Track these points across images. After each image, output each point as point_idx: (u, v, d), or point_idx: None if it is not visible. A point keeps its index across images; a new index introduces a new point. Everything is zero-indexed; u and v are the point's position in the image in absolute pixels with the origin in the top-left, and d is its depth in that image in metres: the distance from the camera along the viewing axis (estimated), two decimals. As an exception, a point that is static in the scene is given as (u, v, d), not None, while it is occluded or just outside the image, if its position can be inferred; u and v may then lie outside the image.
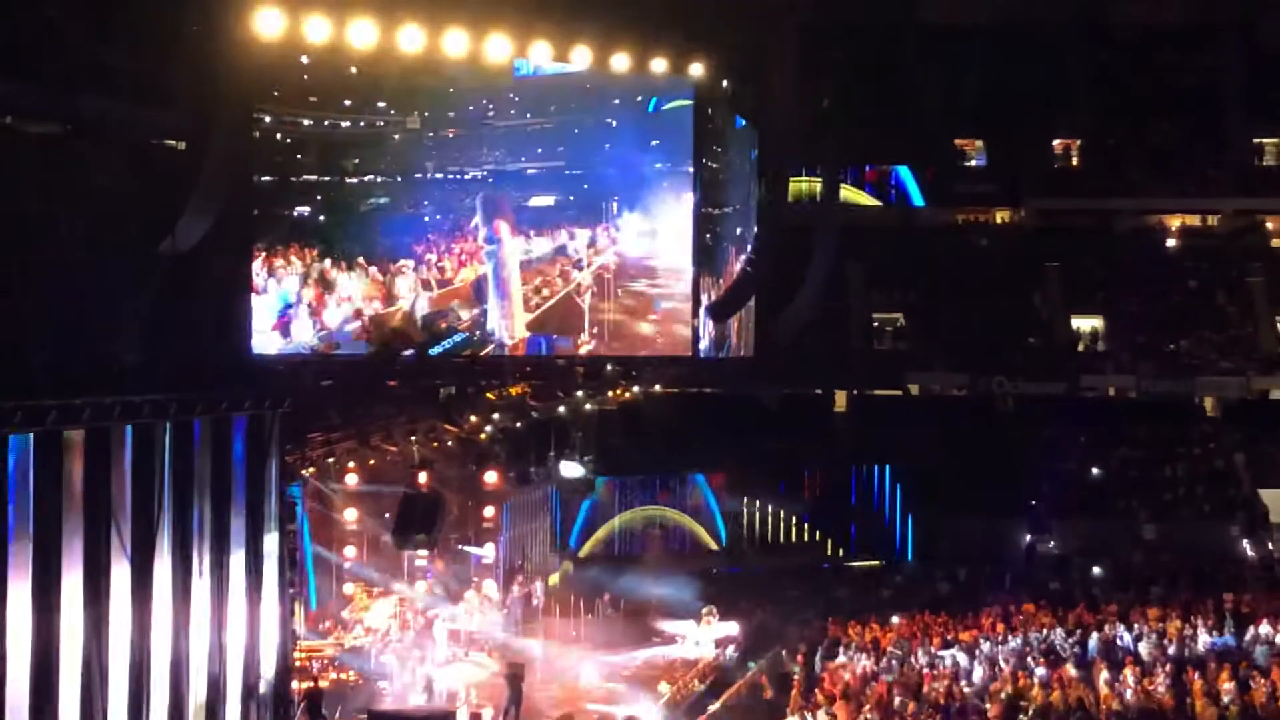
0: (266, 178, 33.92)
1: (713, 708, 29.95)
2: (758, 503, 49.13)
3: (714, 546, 48.10)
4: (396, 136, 35.49)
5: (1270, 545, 48.12)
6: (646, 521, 47.17)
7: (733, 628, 36.55)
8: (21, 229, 22.76)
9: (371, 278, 34.74)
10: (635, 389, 45.50)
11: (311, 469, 31.47)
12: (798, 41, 41.02)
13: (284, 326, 33.17)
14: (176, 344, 24.98)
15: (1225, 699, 29.07)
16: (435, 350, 34.12)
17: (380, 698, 30.04)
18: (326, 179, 35.19)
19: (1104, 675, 30.91)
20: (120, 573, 22.83)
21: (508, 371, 39.03)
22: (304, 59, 31.42)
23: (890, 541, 49.70)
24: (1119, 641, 34.86)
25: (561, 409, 42.05)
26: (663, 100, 36.12)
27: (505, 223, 35.66)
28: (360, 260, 34.45)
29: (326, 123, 34.15)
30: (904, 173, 61.16)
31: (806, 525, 49.64)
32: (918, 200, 60.97)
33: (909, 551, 49.10)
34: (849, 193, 59.59)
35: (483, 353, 35.65)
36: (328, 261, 32.89)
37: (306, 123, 35.02)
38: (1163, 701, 28.84)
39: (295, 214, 34.88)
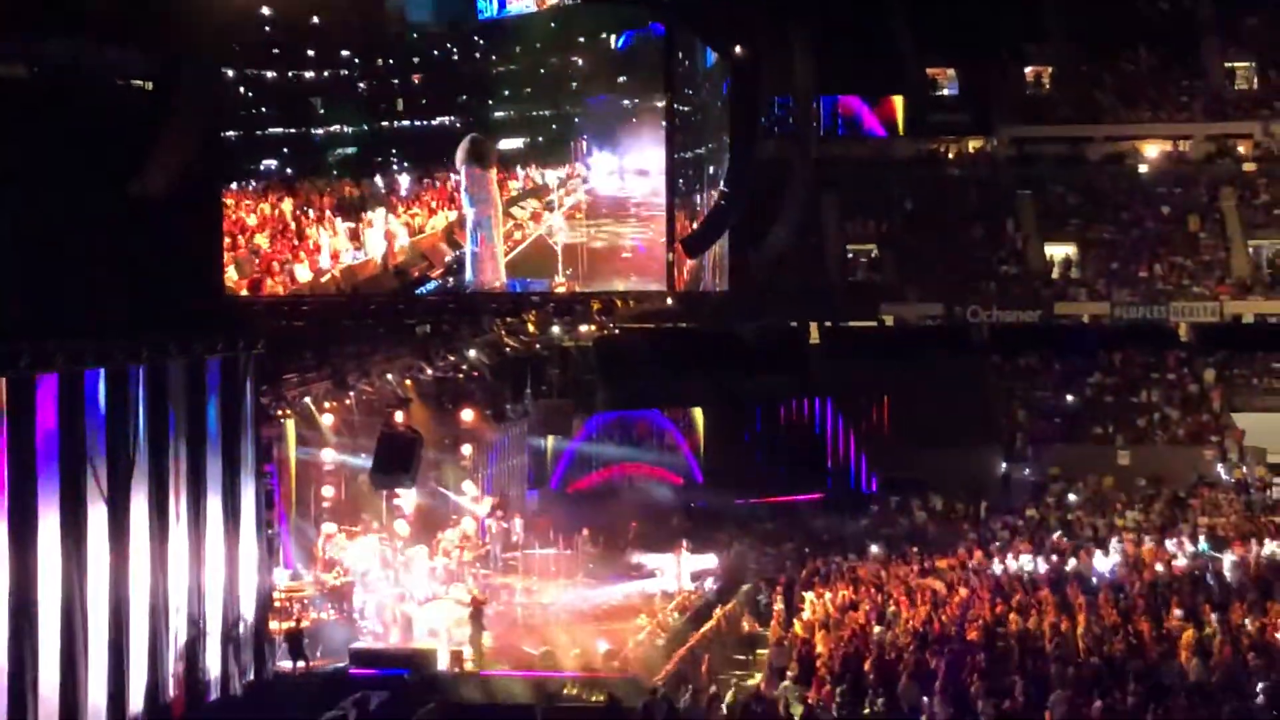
0: (232, 133, 33.74)
1: (692, 640, 30.06)
2: (734, 437, 49.20)
3: (692, 481, 48.20)
4: (361, 85, 35.29)
5: (1244, 468, 48.38)
6: (624, 456, 47.25)
7: (711, 561, 36.67)
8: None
9: (343, 227, 34.68)
10: (611, 326, 45.53)
11: (288, 409, 31.43)
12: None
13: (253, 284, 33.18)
14: (149, 287, 24.93)
15: (1200, 618, 29.27)
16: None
17: (361, 637, 30.11)
18: (293, 131, 35.02)
19: (1080, 600, 31.09)
20: (97, 515, 22.88)
21: (482, 309, 39.00)
22: (265, 10, 31.10)
23: (866, 471, 49.90)
24: (1095, 566, 35.06)
25: (538, 346, 42.10)
26: (629, 36, 35.88)
27: (480, 167, 35.52)
28: (329, 212, 34.35)
29: (290, 74, 33.95)
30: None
31: (782, 458, 49.74)
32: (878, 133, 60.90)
33: (884, 482, 49.26)
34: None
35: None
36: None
37: (270, 75, 34.84)
38: (1139, 625, 29.01)
39: (263, 167, 34.74)
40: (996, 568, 35.29)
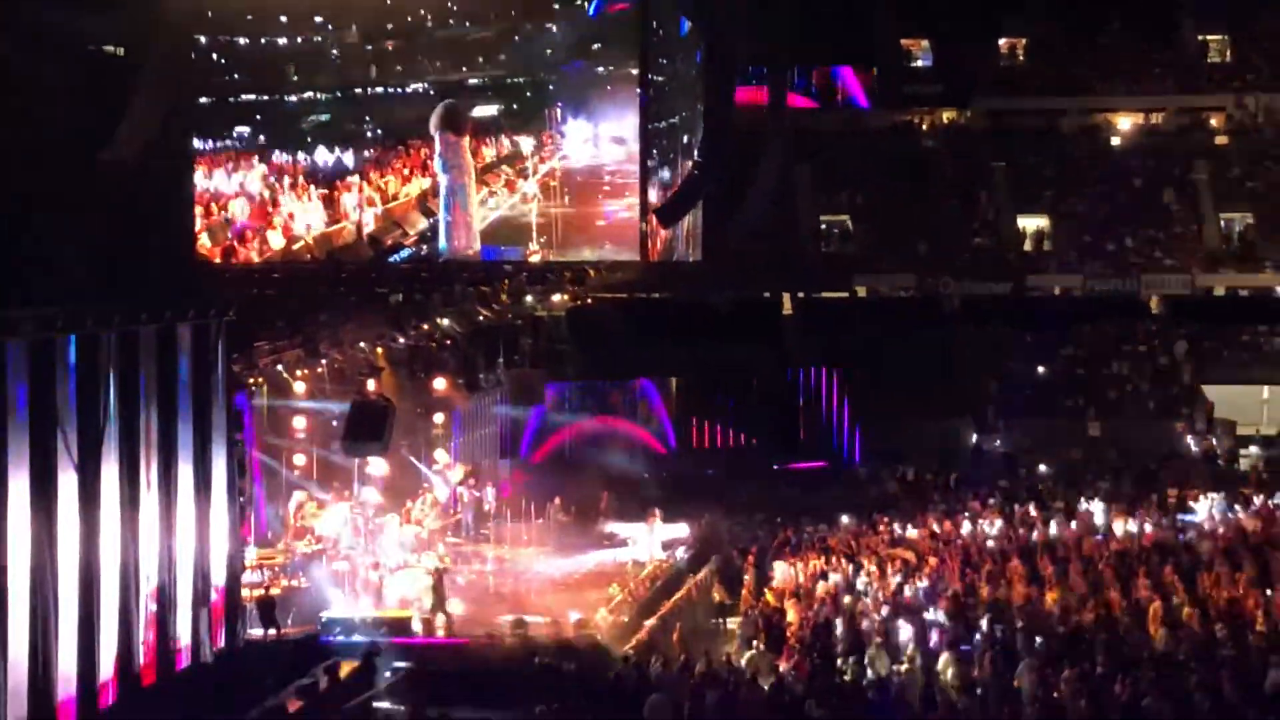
0: (205, 99, 33.57)
1: (663, 609, 30.13)
2: (706, 407, 49.22)
3: (663, 450, 48.22)
4: (335, 51, 35.16)
5: (1214, 441, 48.57)
6: (596, 426, 47.23)
7: (683, 530, 36.72)
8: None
9: (317, 195, 34.59)
10: (584, 295, 45.49)
11: (259, 378, 31.40)
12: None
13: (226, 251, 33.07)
14: (120, 255, 24.87)
15: (1169, 589, 29.42)
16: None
17: (332, 605, 30.12)
18: (265, 98, 34.86)
19: (1050, 571, 31.21)
20: (67, 483, 22.82)
21: (455, 278, 38.95)
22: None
23: (838, 443, 49.97)
24: (1065, 537, 35.17)
25: (511, 315, 42.03)
26: (603, 3, 35.80)
27: (455, 133, 35.43)
28: (302, 179, 34.27)
29: (263, 40, 33.80)
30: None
31: (755, 428, 49.79)
32: (862, 102, 60.84)
33: (857, 452, 49.37)
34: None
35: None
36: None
37: (243, 41, 34.67)
38: (1109, 595, 29.15)
39: (235, 134, 34.62)
40: (966, 537, 35.38)
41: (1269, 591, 28.97)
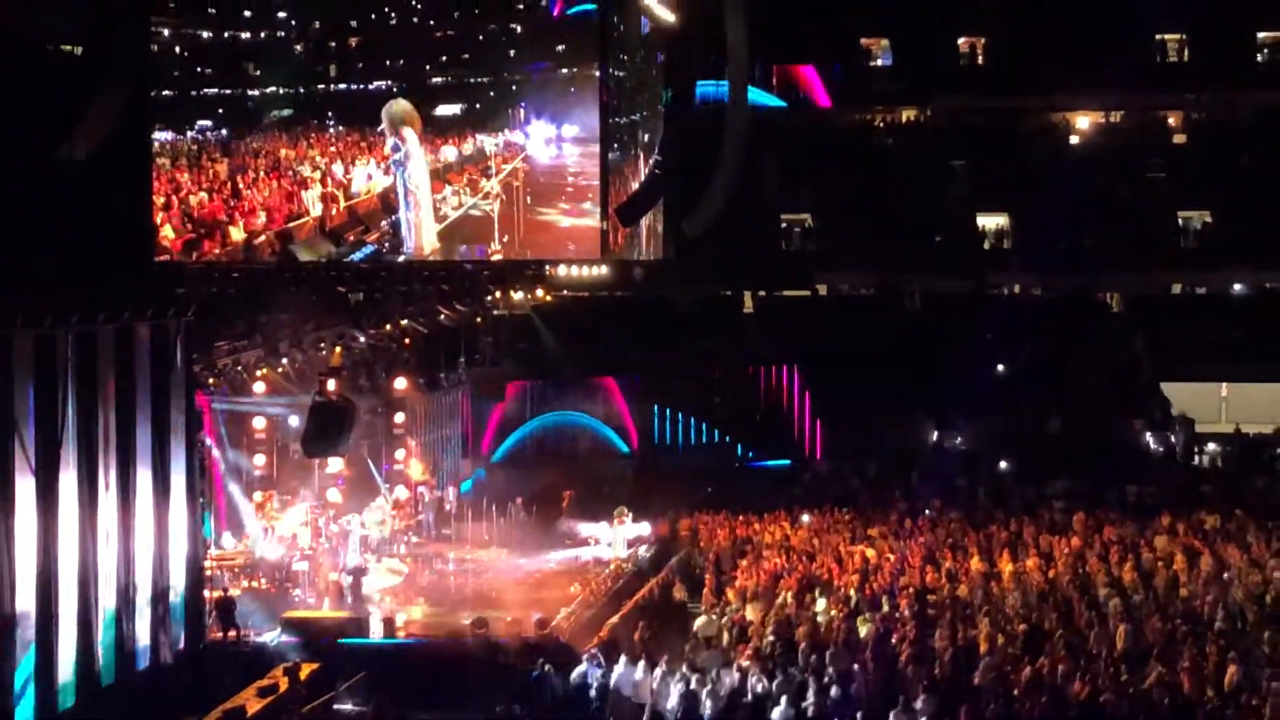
0: (167, 92, 33.49)
1: (625, 608, 30.14)
2: (668, 405, 49.24)
3: (625, 449, 48.23)
4: (298, 47, 35.09)
5: (1172, 438, 48.85)
6: (558, 425, 47.20)
7: (645, 528, 36.74)
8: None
9: (278, 190, 34.49)
10: (546, 294, 45.51)
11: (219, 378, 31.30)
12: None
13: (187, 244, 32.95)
14: (78, 253, 24.74)
15: (1128, 586, 29.59)
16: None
17: (293, 605, 30.04)
18: (228, 92, 34.79)
19: (1009, 568, 31.34)
20: (25, 484, 22.69)
21: (416, 277, 38.89)
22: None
23: (799, 440, 50.06)
24: (1024, 534, 35.30)
25: (472, 314, 42.01)
26: (566, 4, 35.81)
27: (413, 131, 35.39)
28: (264, 173, 34.18)
29: (226, 34, 33.72)
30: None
31: (717, 426, 49.84)
32: (824, 101, 60.90)
33: (818, 449, 49.47)
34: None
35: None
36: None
37: (205, 35, 34.59)
38: (1067, 591, 29.29)
39: (198, 128, 34.54)
40: (927, 534, 35.48)
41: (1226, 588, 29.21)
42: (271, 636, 28.08)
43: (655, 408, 49.08)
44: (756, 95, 58.86)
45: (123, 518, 25.42)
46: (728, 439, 49.74)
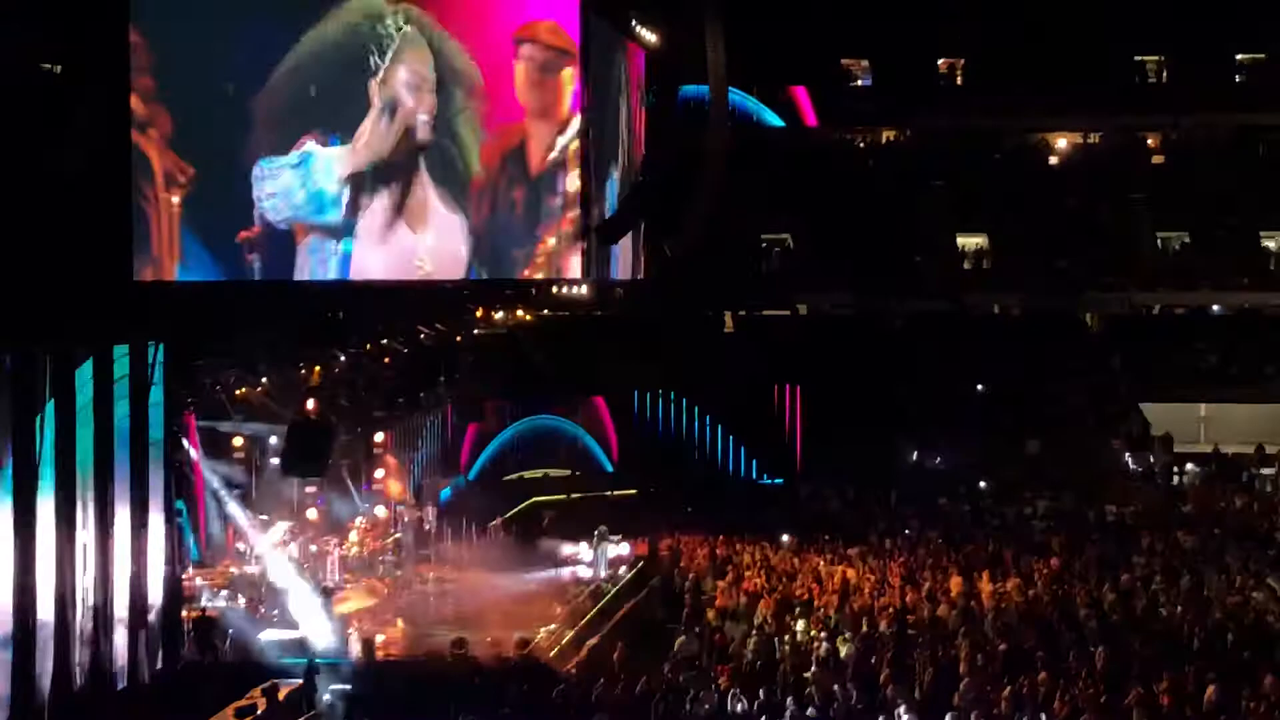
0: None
1: (604, 629, 30.10)
2: (649, 423, 49.25)
3: (608, 466, 48.16)
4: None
5: (1151, 458, 48.95)
6: (535, 429, 47.01)
7: (624, 548, 36.71)
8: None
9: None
10: (524, 314, 45.44)
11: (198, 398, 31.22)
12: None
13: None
14: (55, 273, 24.61)
15: (1108, 607, 29.63)
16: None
17: (270, 626, 29.94)
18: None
19: (989, 588, 31.37)
20: (2, 506, 22.59)
21: (396, 296, 38.71)
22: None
23: (786, 461, 49.98)
24: (1004, 554, 35.35)
25: (451, 333, 41.96)
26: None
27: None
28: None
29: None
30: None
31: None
32: (811, 121, 60.98)
33: (797, 469, 49.44)
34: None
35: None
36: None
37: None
38: (1046, 612, 29.33)
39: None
40: (907, 554, 35.51)
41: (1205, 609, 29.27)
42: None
43: (636, 426, 49.05)
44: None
45: (101, 538, 25.30)
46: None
